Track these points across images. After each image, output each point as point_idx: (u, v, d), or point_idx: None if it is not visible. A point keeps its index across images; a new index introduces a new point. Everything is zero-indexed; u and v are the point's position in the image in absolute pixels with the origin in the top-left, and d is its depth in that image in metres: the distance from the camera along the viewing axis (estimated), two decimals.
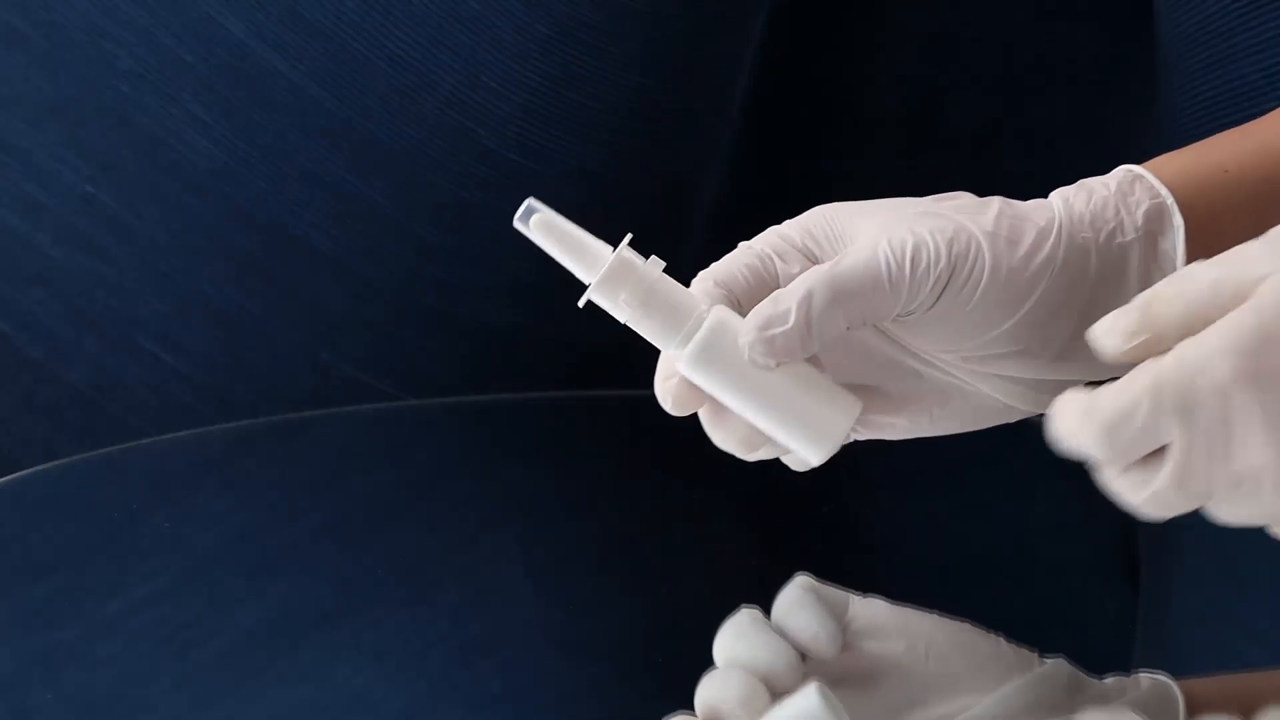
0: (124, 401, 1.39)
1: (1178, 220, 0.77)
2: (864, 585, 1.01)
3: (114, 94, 1.32)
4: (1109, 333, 0.67)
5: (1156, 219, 0.77)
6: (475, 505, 1.10)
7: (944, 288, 0.72)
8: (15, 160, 1.34)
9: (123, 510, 1.08)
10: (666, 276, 0.73)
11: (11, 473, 1.11)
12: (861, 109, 1.54)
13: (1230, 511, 0.67)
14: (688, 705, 0.82)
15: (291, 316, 1.37)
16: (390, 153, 1.33)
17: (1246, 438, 0.64)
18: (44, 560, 1.00)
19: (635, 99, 1.35)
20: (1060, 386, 0.73)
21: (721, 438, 0.75)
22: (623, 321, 0.73)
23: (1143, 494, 0.67)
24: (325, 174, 1.33)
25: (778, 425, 0.72)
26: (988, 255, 0.73)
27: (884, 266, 0.72)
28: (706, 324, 0.72)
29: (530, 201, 0.73)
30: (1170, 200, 0.77)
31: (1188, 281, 0.66)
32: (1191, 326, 0.65)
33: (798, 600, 0.78)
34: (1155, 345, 0.66)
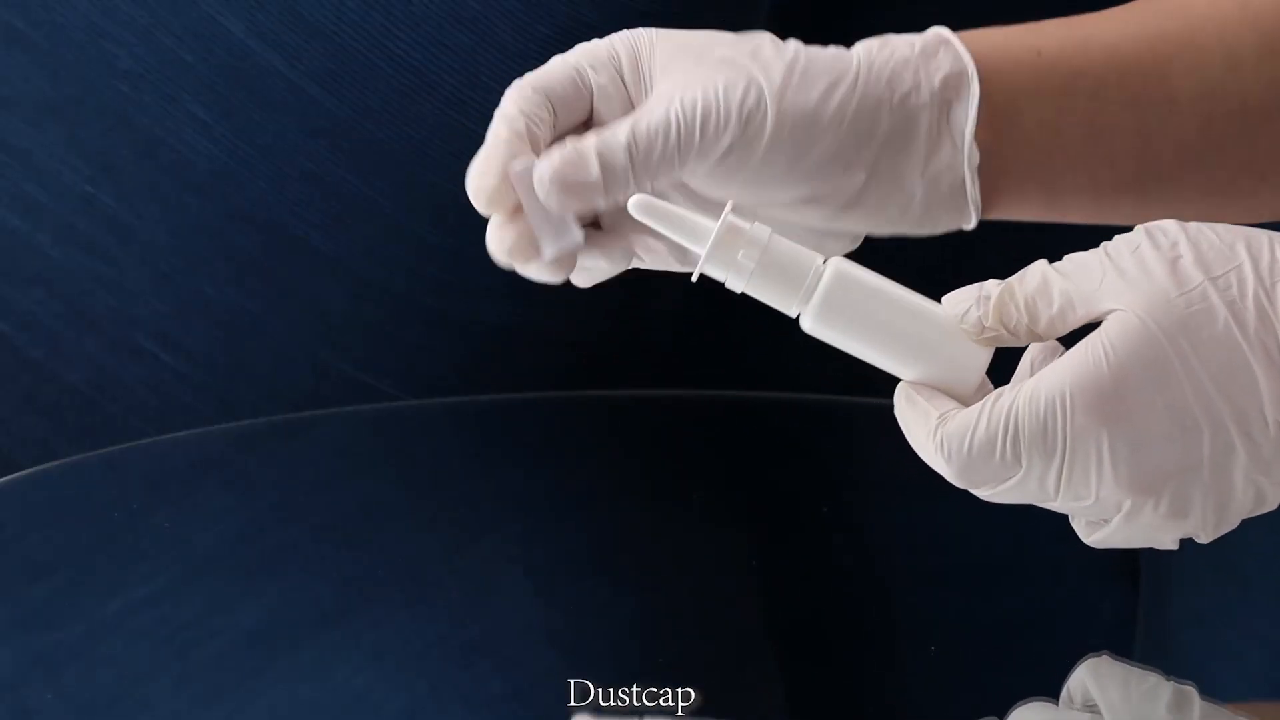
0: (124, 401, 1.38)
1: (974, 90, 0.77)
2: (864, 585, 1.01)
3: (114, 94, 1.32)
4: (962, 322, 0.70)
5: (954, 87, 0.77)
6: (475, 505, 1.09)
7: (730, 148, 0.74)
8: (15, 160, 1.34)
9: (123, 510, 1.08)
10: (776, 235, 0.73)
11: (11, 473, 1.11)
12: None
13: (1083, 528, 0.71)
14: (689, 706, 0.82)
15: (291, 316, 1.37)
16: (390, 153, 1.33)
17: (1090, 465, 0.68)
18: (44, 560, 1.00)
19: None
20: (848, 235, 0.76)
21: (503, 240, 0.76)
22: (739, 289, 0.73)
23: (992, 498, 0.71)
24: (325, 174, 1.33)
25: (912, 371, 0.72)
26: (772, 111, 0.74)
27: (675, 132, 0.73)
28: (826, 276, 0.72)
29: (635, 196, 0.73)
30: (972, 69, 0.77)
31: (1037, 289, 0.69)
32: (1039, 332, 0.70)
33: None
34: (1004, 340, 0.70)
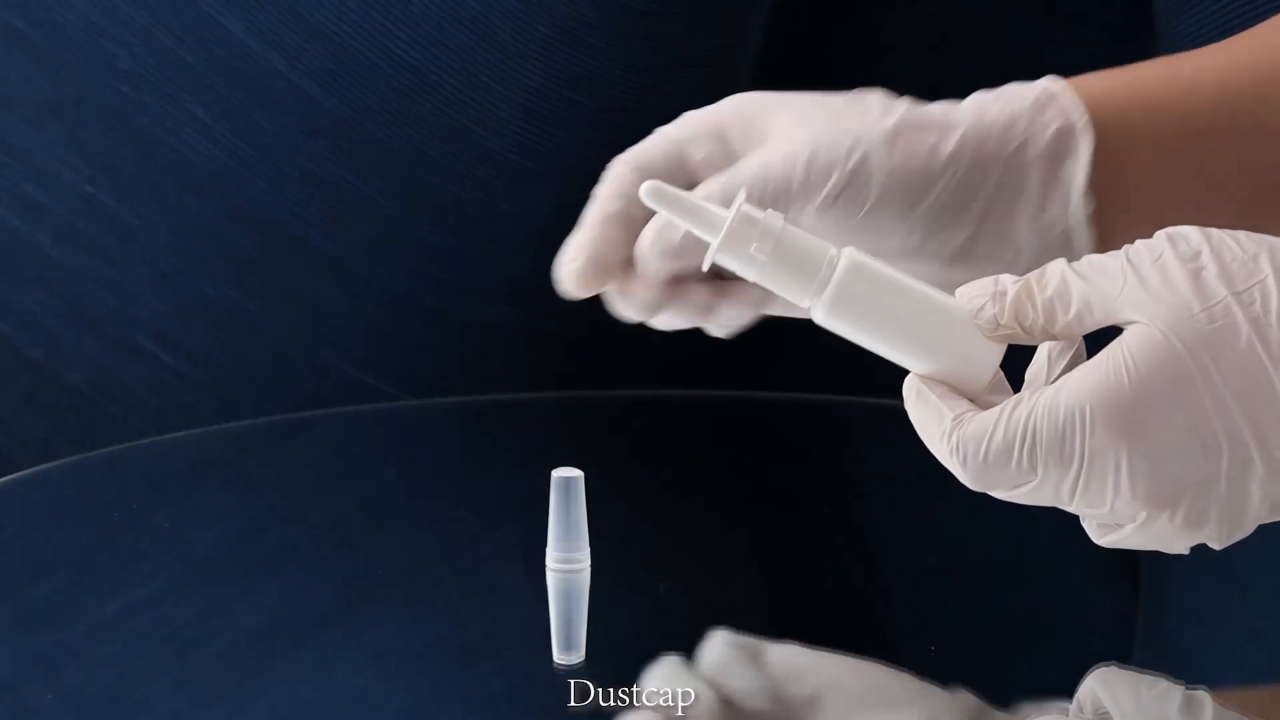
0: (124, 401, 1.39)
1: (1084, 147, 0.77)
2: (864, 585, 1.01)
3: (114, 94, 1.32)
4: (977, 318, 0.70)
5: (1064, 140, 0.78)
6: (475, 505, 1.09)
7: (838, 196, 0.75)
8: (15, 160, 1.34)
9: (123, 510, 1.08)
10: (790, 226, 0.72)
11: (11, 473, 1.11)
12: None
13: (1095, 530, 0.71)
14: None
15: (291, 317, 1.37)
16: (390, 153, 1.33)
17: (1107, 478, 0.68)
18: (44, 560, 1.00)
19: (636, 99, 1.35)
20: (957, 286, 0.75)
21: (625, 306, 0.77)
22: (751, 279, 0.72)
23: (1006, 499, 0.71)
24: (325, 174, 1.33)
25: (924, 365, 0.71)
26: (881, 161, 0.75)
27: (781, 174, 0.73)
28: (840, 267, 0.71)
29: (647, 182, 0.73)
30: (1082, 124, 0.78)
31: (1056, 292, 0.69)
32: (1054, 333, 0.70)
33: (728, 656, 0.79)
34: (1019, 338, 0.70)
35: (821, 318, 0.72)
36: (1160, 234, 0.69)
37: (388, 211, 1.34)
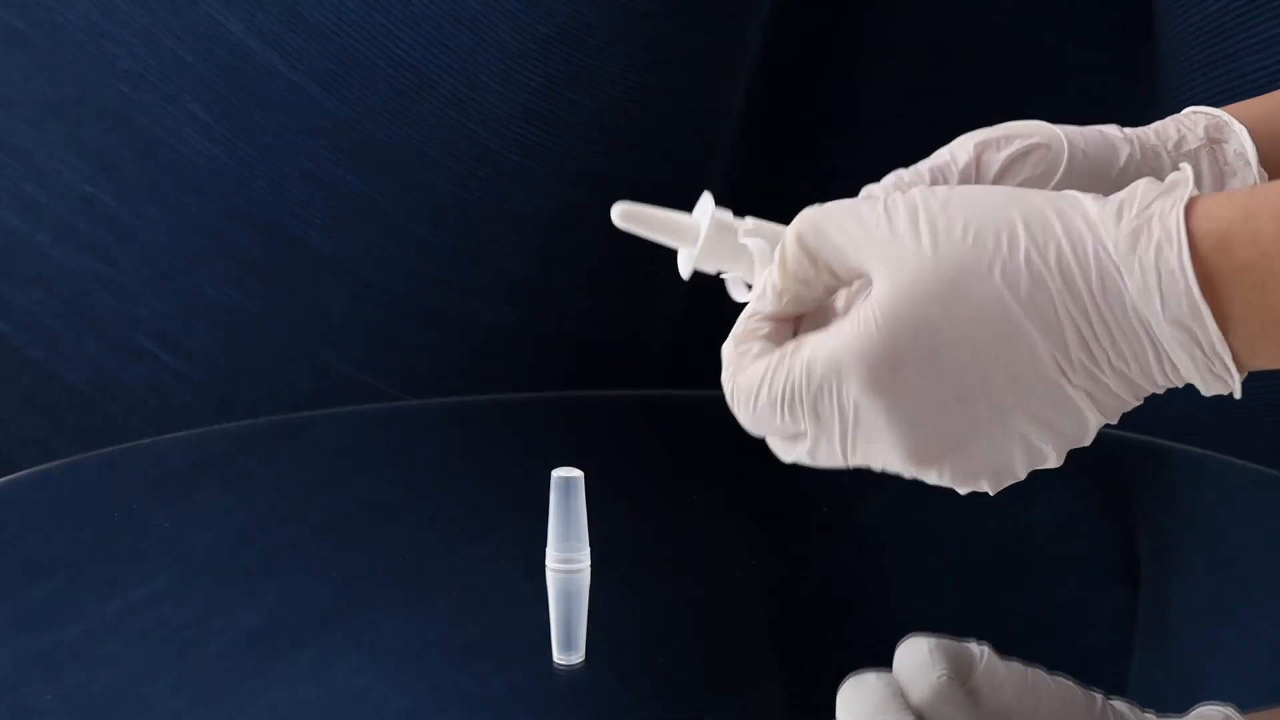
0: (124, 401, 1.39)
1: (1238, 126, 0.78)
2: (863, 585, 1.01)
3: (114, 94, 1.33)
4: (759, 298, 0.70)
5: (1216, 130, 0.78)
6: (475, 505, 1.10)
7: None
8: (15, 160, 1.34)
9: (123, 510, 1.08)
10: (761, 222, 0.73)
11: (11, 473, 1.11)
12: (861, 109, 1.54)
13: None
14: (688, 706, 0.82)
15: (291, 317, 1.37)
16: (390, 153, 1.33)
17: (871, 435, 0.67)
18: (44, 560, 1.00)
19: (635, 99, 1.35)
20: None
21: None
22: (735, 277, 0.73)
23: (788, 458, 0.71)
24: (325, 174, 1.33)
25: None
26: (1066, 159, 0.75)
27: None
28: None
29: (617, 205, 0.73)
30: (1225, 116, 0.79)
31: (800, 260, 0.69)
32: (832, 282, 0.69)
33: (942, 696, 0.78)
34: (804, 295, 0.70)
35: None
36: (915, 189, 0.68)
37: (388, 211, 1.34)
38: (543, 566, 0.92)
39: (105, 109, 1.33)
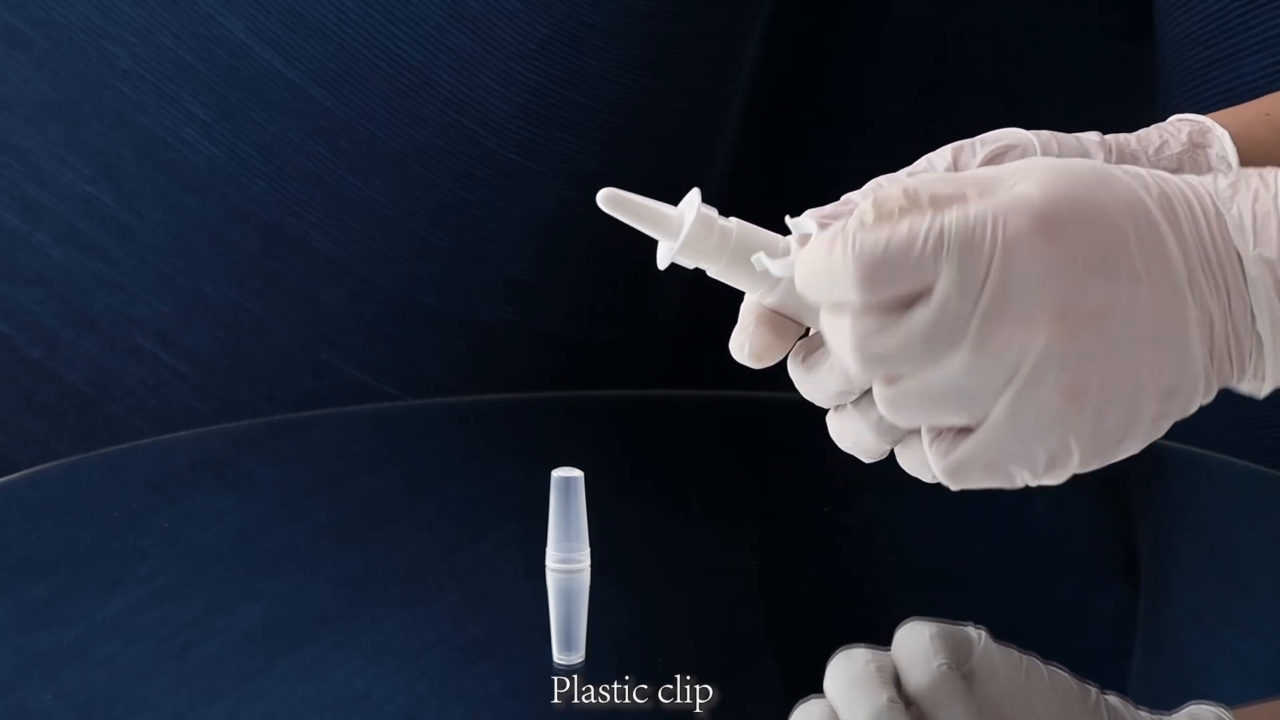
0: (124, 401, 1.39)
1: (1220, 131, 0.79)
2: (863, 585, 1.01)
3: (114, 94, 1.33)
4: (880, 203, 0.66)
5: (1199, 135, 0.79)
6: (475, 505, 1.10)
7: None
8: (15, 160, 1.34)
9: (123, 510, 1.08)
10: (745, 223, 0.73)
11: (11, 473, 1.11)
12: (861, 109, 1.54)
13: (940, 448, 0.68)
14: (688, 705, 0.82)
15: (291, 316, 1.37)
16: (390, 153, 1.33)
17: (1012, 293, 0.64)
18: (44, 560, 1.00)
19: (635, 99, 1.35)
20: None
21: (811, 389, 0.73)
22: (713, 275, 0.73)
23: (893, 398, 0.66)
24: (325, 174, 1.33)
25: None
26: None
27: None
28: (795, 252, 0.72)
29: (604, 190, 0.73)
30: (1207, 120, 0.80)
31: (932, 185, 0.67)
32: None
33: (941, 686, 0.78)
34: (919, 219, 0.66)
35: (772, 302, 0.72)
36: None
37: (387, 211, 1.34)
38: (543, 566, 0.92)
39: (105, 109, 1.33)
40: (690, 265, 0.73)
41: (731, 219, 0.73)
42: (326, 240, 1.35)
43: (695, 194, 0.73)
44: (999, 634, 0.83)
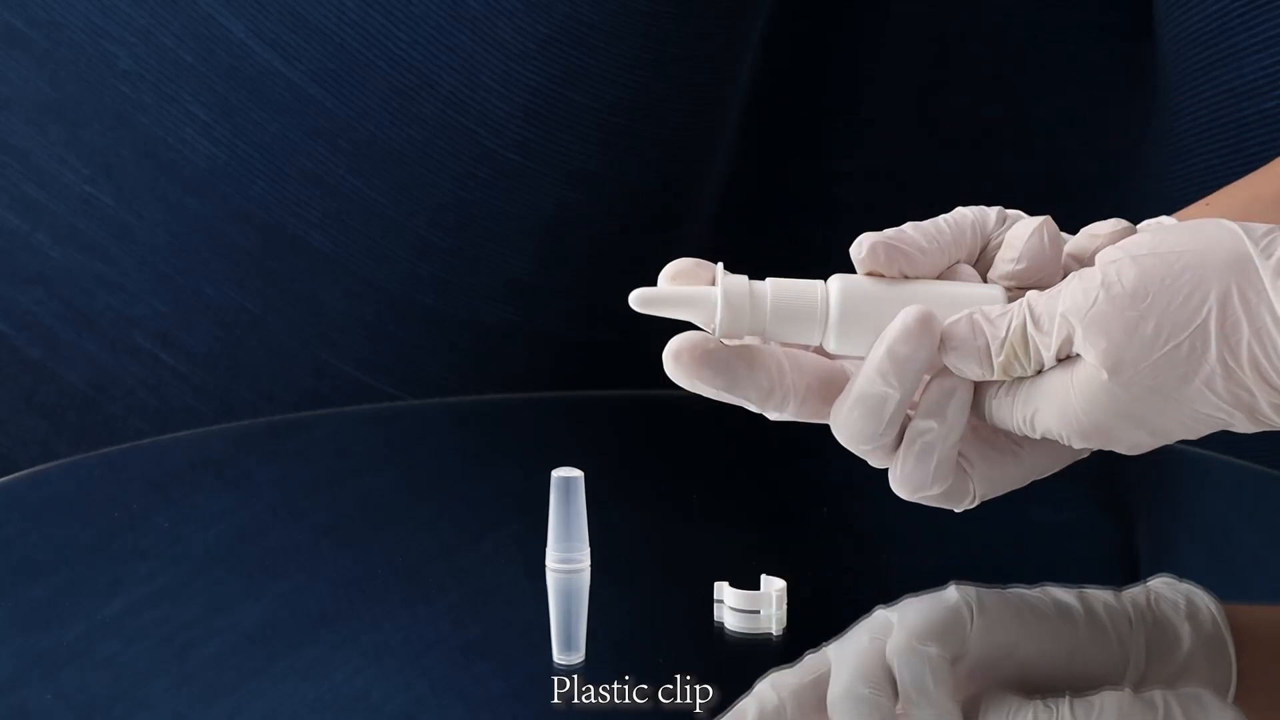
0: (124, 401, 1.39)
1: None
2: (863, 586, 1.01)
3: (114, 94, 1.33)
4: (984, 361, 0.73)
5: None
6: (475, 505, 1.10)
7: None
8: (15, 160, 1.34)
9: (123, 510, 1.08)
10: (775, 279, 0.74)
11: (11, 473, 1.11)
12: (861, 109, 1.54)
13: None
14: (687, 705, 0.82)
15: (291, 316, 1.37)
16: (390, 153, 1.33)
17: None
18: (44, 560, 1.00)
19: (635, 99, 1.35)
20: None
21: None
22: (764, 339, 0.75)
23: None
24: (325, 174, 1.33)
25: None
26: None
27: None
28: (833, 298, 0.74)
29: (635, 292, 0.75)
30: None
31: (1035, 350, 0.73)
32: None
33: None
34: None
35: (834, 347, 0.75)
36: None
37: (388, 211, 1.35)
38: (543, 566, 0.92)
39: (105, 109, 1.33)
40: (740, 339, 0.75)
41: (765, 282, 0.74)
42: (326, 240, 1.35)
43: (719, 267, 0.74)
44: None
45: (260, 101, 1.32)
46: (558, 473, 0.92)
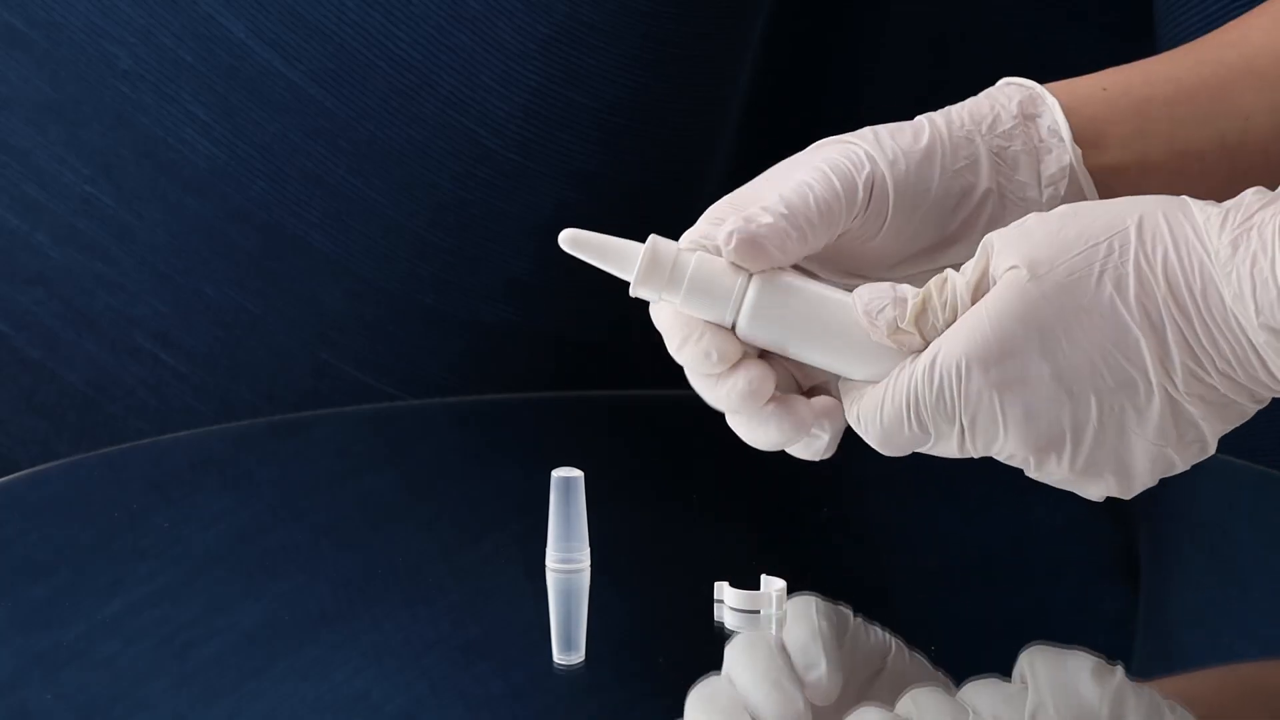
0: (124, 401, 1.39)
1: (1051, 100, 0.80)
2: (863, 586, 1.01)
3: (114, 94, 1.33)
4: (875, 319, 0.72)
5: (1030, 104, 0.80)
6: (475, 505, 1.10)
7: (862, 211, 0.76)
8: (15, 160, 1.34)
9: (123, 510, 1.08)
10: (703, 253, 0.76)
11: (11, 473, 1.11)
12: (861, 109, 1.54)
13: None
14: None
15: (290, 316, 1.37)
16: (390, 153, 1.33)
17: (991, 427, 0.70)
18: (44, 560, 1.00)
19: (635, 99, 1.35)
20: None
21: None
22: (673, 307, 0.76)
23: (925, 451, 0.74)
24: (325, 174, 1.33)
25: (851, 362, 0.75)
26: (889, 176, 0.77)
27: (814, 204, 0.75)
28: (752, 287, 0.75)
29: (566, 231, 0.76)
30: (1039, 88, 0.80)
31: (952, 291, 0.72)
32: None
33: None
34: (916, 344, 0.72)
35: (745, 332, 0.75)
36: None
37: (388, 211, 1.34)
38: (543, 566, 0.92)
39: (105, 109, 1.33)
40: (654, 298, 0.76)
41: (690, 252, 0.75)
42: (326, 240, 1.35)
43: (653, 237, 0.76)
44: (999, 634, 0.83)
45: (260, 101, 1.32)
46: (558, 473, 0.92)
